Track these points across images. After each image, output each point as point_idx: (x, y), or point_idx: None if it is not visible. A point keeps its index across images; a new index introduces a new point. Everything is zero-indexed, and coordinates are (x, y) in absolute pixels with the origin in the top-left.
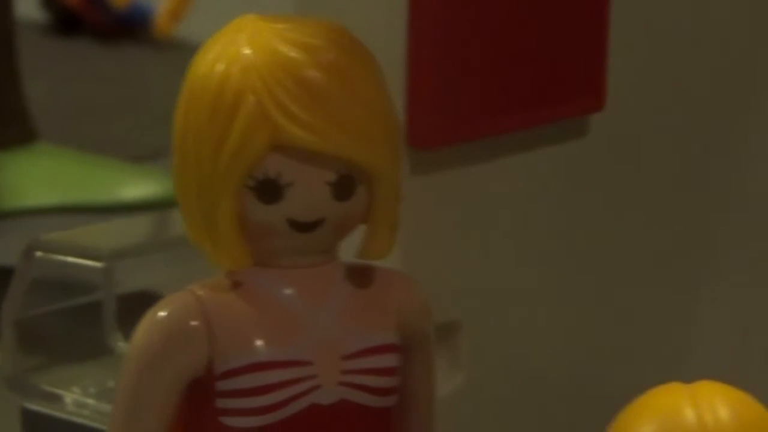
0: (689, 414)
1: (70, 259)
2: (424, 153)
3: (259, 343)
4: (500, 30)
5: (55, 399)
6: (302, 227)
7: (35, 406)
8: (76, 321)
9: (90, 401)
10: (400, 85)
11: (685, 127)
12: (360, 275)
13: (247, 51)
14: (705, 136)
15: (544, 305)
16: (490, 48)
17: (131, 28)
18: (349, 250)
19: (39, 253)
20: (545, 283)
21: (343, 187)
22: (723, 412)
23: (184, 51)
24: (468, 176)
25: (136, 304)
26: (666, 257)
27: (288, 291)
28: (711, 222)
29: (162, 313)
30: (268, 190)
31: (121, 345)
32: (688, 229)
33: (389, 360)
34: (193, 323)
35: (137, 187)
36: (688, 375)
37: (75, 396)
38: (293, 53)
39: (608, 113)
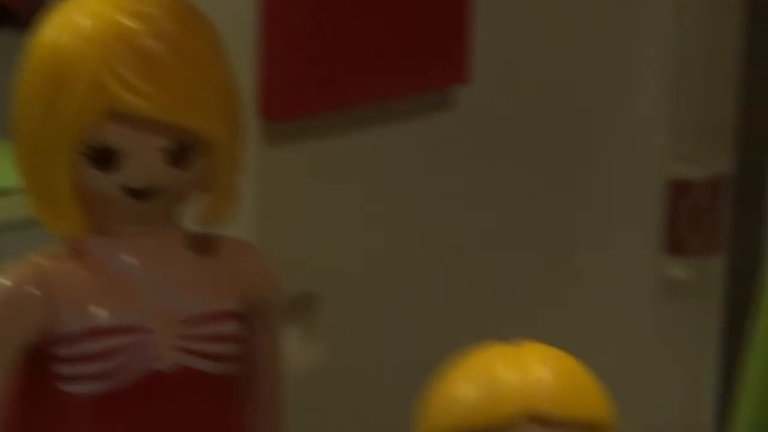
0: (508, 371)
1: None
2: (280, 124)
3: (96, 308)
4: (357, 1)
5: None
6: (137, 194)
7: None
8: None
9: None
10: (253, 56)
11: (551, 102)
12: (203, 243)
13: (85, 20)
14: (572, 111)
15: (402, 279)
16: (346, 19)
17: None
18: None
19: None
20: (404, 256)
21: (179, 154)
22: (542, 370)
23: None
24: (326, 148)
25: None
26: (525, 232)
27: (127, 258)
28: (574, 198)
29: None
30: (103, 158)
31: None
32: (550, 204)
33: (228, 327)
34: (29, 289)
35: None
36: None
37: None
38: (130, 23)
39: (475, 87)
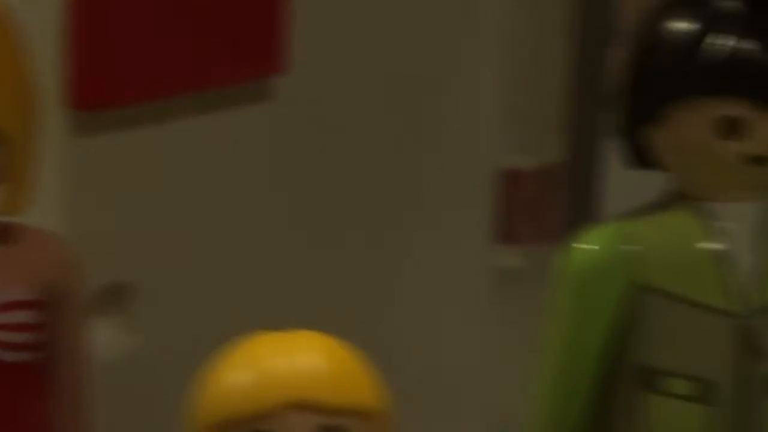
0: (273, 359)
1: None
2: (87, 115)
3: None
4: None
5: None
6: None
7: None
8: None
9: None
10: (60, 46)
11: (378, 93)
12: (1, 233)
13: None
14: (399, 102)
15: (218, 269)
16: (157, 9)
17: None
18: None
19: None
20: (219, 247)
21: None
22: (308, 358)
23: None
24: (138, 139)
25: None
26: (353, 225)
27: None
28: (404, 189)
29: None
30: None
31: None
32: (379, 196)
33: (23, 316)
34: None
35: None
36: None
37: None
38: None
39: (294, 77)
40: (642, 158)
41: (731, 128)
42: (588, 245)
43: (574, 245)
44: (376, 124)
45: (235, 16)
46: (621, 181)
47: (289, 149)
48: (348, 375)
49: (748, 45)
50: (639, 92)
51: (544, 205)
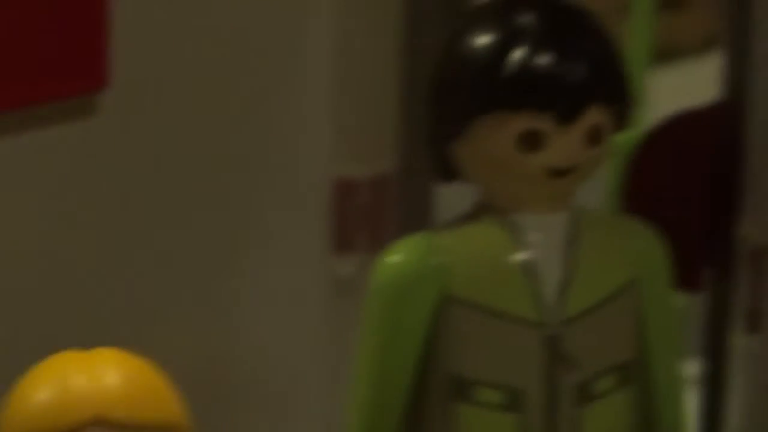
0: (77, 377)
1: None
2: None
3: None
4: None
5: None
6: None
7: None
8: None
9: None
10: None
11: (207, 104)
12: None
13: None
14: (230, 114)
15: (40, 288)
16: None
17: None
18: None
19: None
20: (42, 267)
21: None
22: (111, 375)
23: None
24: None
25: None
26: (182, 238)
27: None
28: (237, 201)
29: None
30: None
31: None
32: (210, 208)
33: None
34: None
35: None
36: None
37: None
38: None
39: (116, 92)
40: (450, 171)
41: (533, 142)
42: (396, 258)
43: (383, 258)
44: (204, 138)
45: (53, 32)
46: (455, 190)
47: (113, 166)
48: (149, 391)
49: (547, 59)
50: (442, 108)
51: (378, 214)
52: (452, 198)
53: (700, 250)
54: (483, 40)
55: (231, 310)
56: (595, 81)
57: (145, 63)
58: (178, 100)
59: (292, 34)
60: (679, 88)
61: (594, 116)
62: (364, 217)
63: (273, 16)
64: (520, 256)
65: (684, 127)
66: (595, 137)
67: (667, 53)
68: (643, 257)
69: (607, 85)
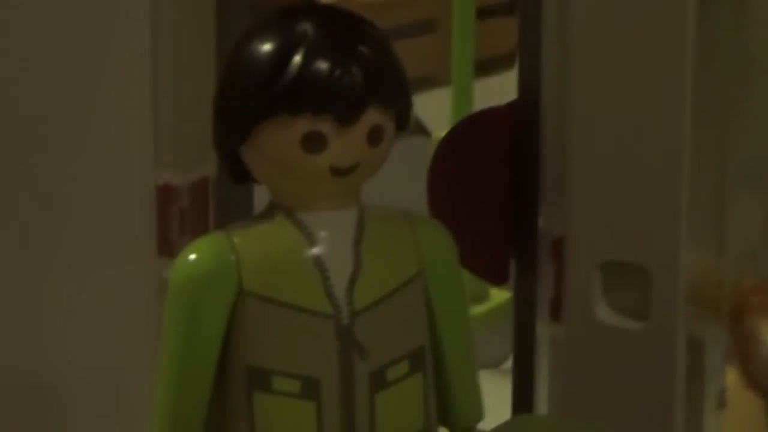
0: None
1: None
2: None
3: None
4: None
5: None
6: None
7: None
8: None
9: None
10: None
11: (30, 110)
12: None
13: None
14: (53, 125)
15: None
16: None
17: None
18: None
19: None
20: None
21: None
22: None
23: None
24: None
25: None
26: (8, 243)
27: None
28: (61, 209)
29: None
30: None
31: None
32: (34, 215)
33: None
34: None
35: None
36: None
37: None
38: None
39: None
40: (241, 173)
41: (316, 143)
42: (193, 256)
43: (180, 256)
44: (31, 142)
45: None
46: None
47: None
48: None
49: (324, 65)
50: (226, 113)
51: (199, 218)
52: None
53: (505, 243)
54: (262, 47)
55: (54, 312)
56: (372, 84)
57: None
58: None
59: (110, 43)
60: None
61: (373, 117)
62: (186, 222)
63: (90, 28)
64: (310, 252)
65: (482, 125)
66: (375, 137)
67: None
68: (428, 249)
69: (384, 88)
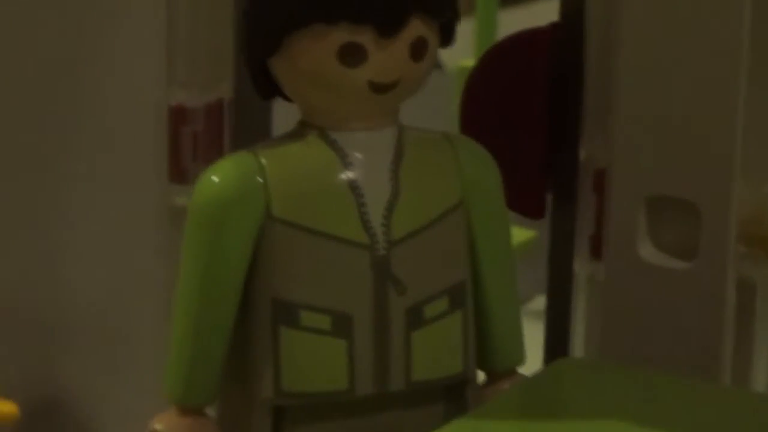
0: None
1: None
2: None
3: None
4: None
5: None
6: None
7: None
8: None
9: None
10: None
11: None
12: None
13: None
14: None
15: None
16: None
17: None
18: None
19: None
20: None
21: None
22: None
23: None
24: None
25: None
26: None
27: None
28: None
29: None
30: None
31: None
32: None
33: None
34: None
35: None
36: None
37: None
38: None
39: None
40: (271, 88)
41: (354, 55)
42: (217, 176)
43: (204, 177)
44: (35, 64)
45: None
46: (290, 115)
47: None
48: None
49: None
50: (257, 21)
51: (213, 142)
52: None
53: (542, 175)
54: None
55: (60, 239)
56: None
57: None
58: (4, 24)
59: None
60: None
61: (416, 29)
62: (199, 146)
63: None
64: (344, 176)
65: (520, 49)
66: (418, 51)
67: None
68: (472, 176)
69: None
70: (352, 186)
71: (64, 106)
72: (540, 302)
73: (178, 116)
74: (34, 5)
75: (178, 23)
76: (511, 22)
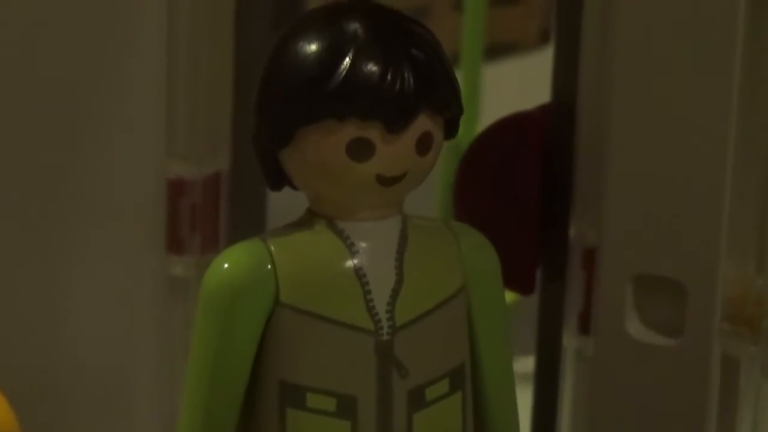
0: None
1: None
2: None
3: None
4: None
5: None
6: None
7: None
8: None
9: None
10: None
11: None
12: None
13: None
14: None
15: None
16: None
17: None
18: None
19: None
20: None
21: None
22: None
23: None
24: None
25: None
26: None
27: None
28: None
29: None
30: None
31: None
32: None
33: None
34: None
35: None
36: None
37: None
38: None
39: None
40: (280, 178)
41: (363, 150)
42: (229, 263)
43: (216, 263)
44: (40, 135)
45: None
46: (287, 192)
47: None
48: None
49: (373, 68)
50: (268, 116)
51: (211, 214)
52: (285, 199)
53: (533, 252)
54: (309, 47)
55: (60, 307)
56: (423, 90)
57: None
58: (7, 95)
59: (123, 37)
60: (515, 82)
61: (423, 125)
62: (196, 218)
63: (104, 20)
64: (351, 264)
65: (514, 129)
66: (424, 146)
67: (502, 48)
68: (472, 263)
69: (436, 94)
70: (359, 274)
71: (65, 176)
72: (522, 364)
73: (177, 188)
74: (35, 80)
75: (177, 99)
76: (496, 75)
